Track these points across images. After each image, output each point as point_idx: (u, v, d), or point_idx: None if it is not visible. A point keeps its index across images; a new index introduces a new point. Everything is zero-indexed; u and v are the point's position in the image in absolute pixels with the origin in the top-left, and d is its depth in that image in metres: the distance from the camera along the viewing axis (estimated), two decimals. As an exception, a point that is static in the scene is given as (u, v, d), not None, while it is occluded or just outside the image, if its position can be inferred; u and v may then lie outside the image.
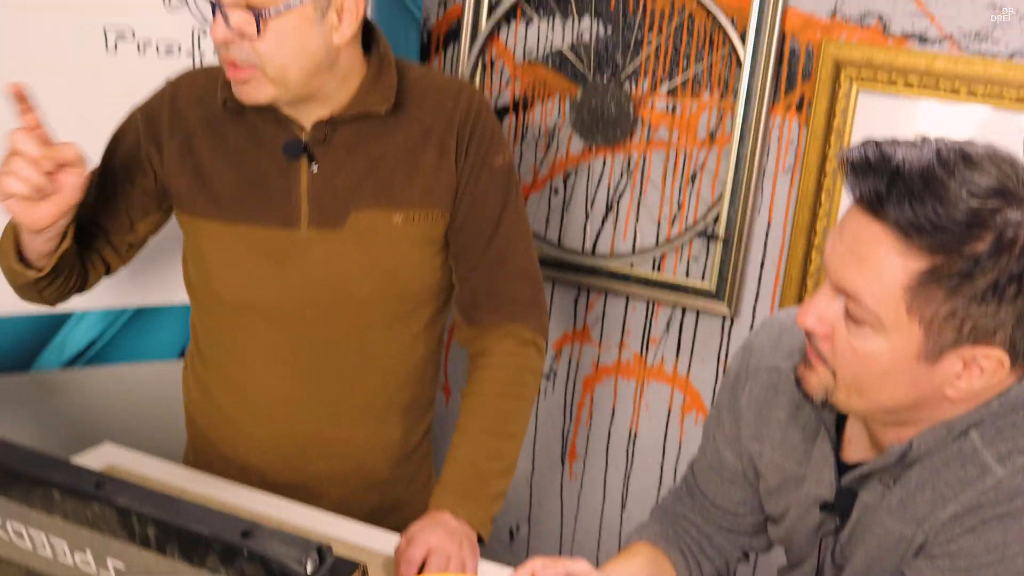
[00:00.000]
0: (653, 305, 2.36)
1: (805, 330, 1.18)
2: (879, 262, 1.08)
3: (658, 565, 1.45)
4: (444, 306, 1.81)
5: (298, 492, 1.74)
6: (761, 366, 1.39)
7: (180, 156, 1.67)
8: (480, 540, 1.58)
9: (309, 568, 0.96)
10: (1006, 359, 1.10)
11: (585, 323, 2.45)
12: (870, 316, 1.10)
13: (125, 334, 2.15)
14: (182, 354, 1.92)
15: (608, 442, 2.50)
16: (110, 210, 1.70)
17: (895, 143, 1.09)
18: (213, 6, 1.50)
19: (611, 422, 2.48)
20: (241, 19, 1.49)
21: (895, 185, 1.05)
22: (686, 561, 1.45)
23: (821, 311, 1.15)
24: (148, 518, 1.03)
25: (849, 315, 1.13)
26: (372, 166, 1.65)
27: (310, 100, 1.60)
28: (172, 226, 1.78)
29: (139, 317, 2.16)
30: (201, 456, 1.83)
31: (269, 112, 1.63)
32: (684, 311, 2.33)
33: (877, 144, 1.09)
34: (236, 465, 1.77)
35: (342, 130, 1.64)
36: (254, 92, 1.55)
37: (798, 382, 1.22)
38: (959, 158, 1.06)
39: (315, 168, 1.63)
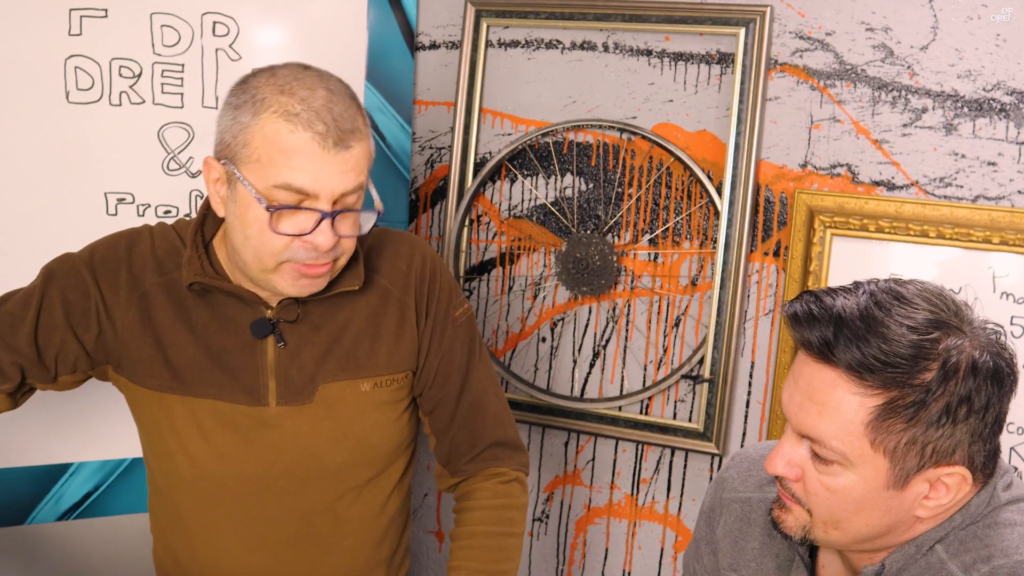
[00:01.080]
0: (642, 447, 2.41)
1: (776, 476, 1.24)
2: (837, 405, 1.16)
3: None
4: (413, 457, 1.82)
5: None
6: (733, 499, 1.45)
7: (140, 325, 1.63)
8: None
9: None
10: (968, 474, 1.18)
11: (576, 466, 2.49)
12: (836, 455, 1.18)
13: (121, 485, 2.17)
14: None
15: (603, 584, 2.51)
16: (35, 356, 1.62)
17: (831, 292, 1.18)
18: (322, 215, 1.50)
19: (604, 563, 2.50)
20: (350, 222, 1.55)
21: (840, 331, 1.14)
22: None
23: (788, 456, 1.22)
24: None
25: (816, 456, 1.20)
26: (336, 338, 1.66)
27: None
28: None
29: (136, 467, 2.19)
30: None
31: (233, 290, 1.62)
32: (673, 451, 2.38)
33: (815, 295, 1.18)
34: None
35: (311, 307, 1.66)
36: (322, 282, 1.58)
37: (775, 524, 1.28)
38: (893, 299, 1.16)
39: (282, 345, 1.64)
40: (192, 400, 1.62)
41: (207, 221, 1.66)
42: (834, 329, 1.14)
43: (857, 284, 1.20)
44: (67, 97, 2.02)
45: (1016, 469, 2.00)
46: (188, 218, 1.74)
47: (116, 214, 2.09)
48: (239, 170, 1.50)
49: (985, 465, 1.21)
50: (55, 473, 2.12)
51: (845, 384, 1.15)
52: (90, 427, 2.11)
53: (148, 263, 1.65)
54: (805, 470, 1.22)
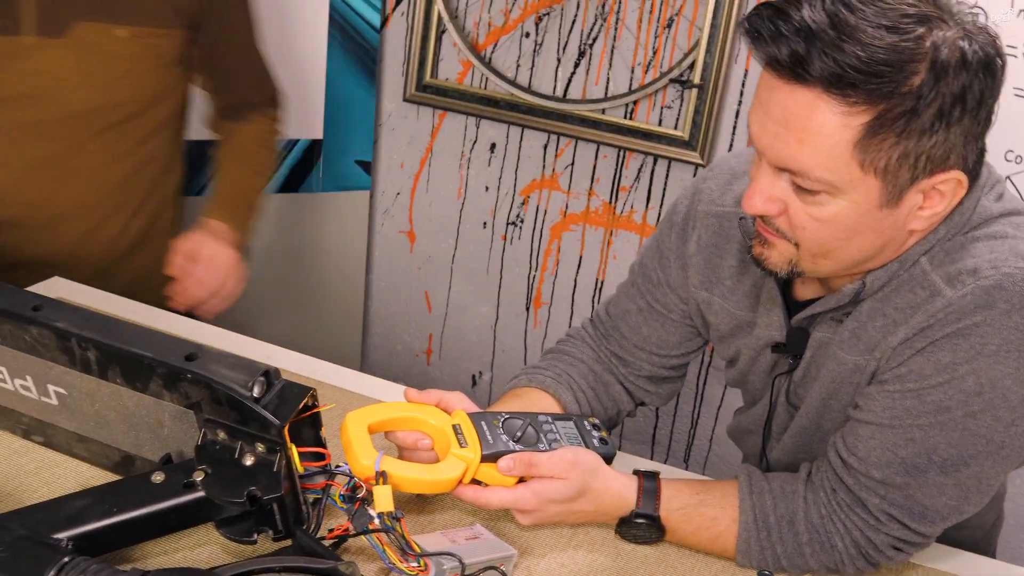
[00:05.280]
0: (624, 153, 2.31)
1: (755, 215, 1.14)
2: (819, 128, 1.03)
3: (543, 405, 1.39)
4: (183, 112, 1.87)
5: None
6: (710, 212, 1.34)
7: None
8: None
9: (256, 392, 0.94)
10: (963, 177, 1.08)
11: (554, 170, 2.40)
12: (822, 185, 1.06)
13: None
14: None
15: (574, 291, 2.48)
16: None
17: (791, 0, 1.03)
18: None
19: (578, 271, 2.46)
20: None
21: (812, 43, 1.00)
22: (577, 404, 1.41)
23: (768, 192, 1.10)
24: (89, 341, 0.99)
25: (799, 188, 1.08)
26: None
27: None
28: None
29: None
30: None
31: None
32: (656, 159, 2.28)
33: (774, 7, 1.03)
34: None
35: None
36: None
37: (758, 262, 1.18)
38: None
39: None
40: None
41: None
42: (804, 41, 1.01)
43: None
44: None
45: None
46: None
47: None
48: None
49: (975, 165, 1.11)
50: None
51: (825, 104, 1.01)
52: None
53: None
54: (788, 203, 1.10)
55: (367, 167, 2.55)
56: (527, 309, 2.55)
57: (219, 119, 1.90)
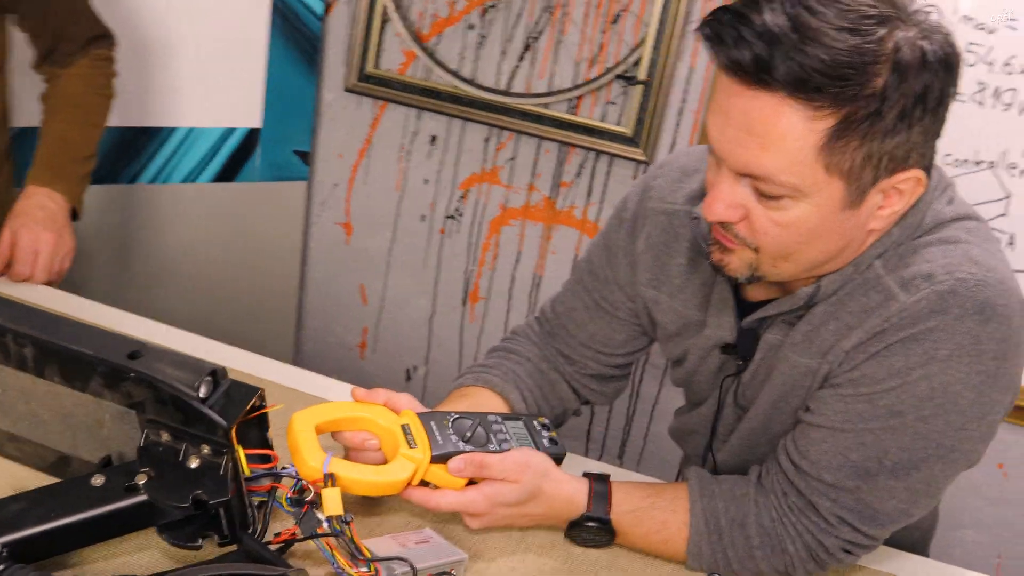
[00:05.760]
0: (566, 148, 2.30)
1: (716, 222, 1.12)
2: (783, 133, 1.02)
3: (490, 405, 1.35)
4: (2, 61, 1.79)
5: None
6: (659, 210, 1.33)
7: None
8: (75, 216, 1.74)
9: (202, 392, 0.90)
10: (922, 175, 1.08)
11: (495, 164, 2.38)
12: (786, 189, 1.05)
13: None
14: None
15: (512, 285, 2.46)
16: None
17: (752, 4, 1.02)
18: None
19: (516, 265, 2.44)
20: None
21: (775, 47, 0.99)
22: (524, 403, 1.39)
23: (728, 199, 1.09)
24: (26, 338, 0.95)
25: (761, 194, 1.07)
26: None
27: None
28: None
29: None
30: None
31: None
32: (598, 155, 2.27)
33: (735, 12, 1.02)
34: None
35: None
36: None
37: (717, 268, 1.17)
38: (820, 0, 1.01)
39: None
40: None
41: None
42: (767, 45, 0.99)
43: None
44: None
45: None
46: None
47: None
48: None
49: (930, 164, 1.12)
50: None
51: (790, 108, 1.00)
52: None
53: None
54: (750, 209, 1.09)
55: (306, 157, 2.51)
56: (464, 303, 2.53)
57: (41, 62, 1.80)
